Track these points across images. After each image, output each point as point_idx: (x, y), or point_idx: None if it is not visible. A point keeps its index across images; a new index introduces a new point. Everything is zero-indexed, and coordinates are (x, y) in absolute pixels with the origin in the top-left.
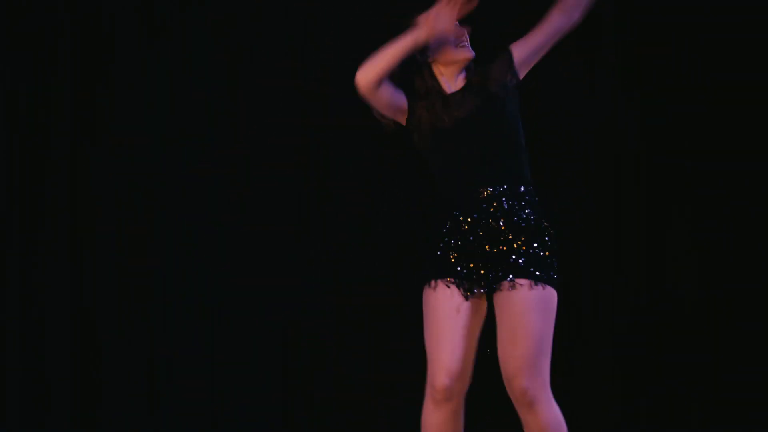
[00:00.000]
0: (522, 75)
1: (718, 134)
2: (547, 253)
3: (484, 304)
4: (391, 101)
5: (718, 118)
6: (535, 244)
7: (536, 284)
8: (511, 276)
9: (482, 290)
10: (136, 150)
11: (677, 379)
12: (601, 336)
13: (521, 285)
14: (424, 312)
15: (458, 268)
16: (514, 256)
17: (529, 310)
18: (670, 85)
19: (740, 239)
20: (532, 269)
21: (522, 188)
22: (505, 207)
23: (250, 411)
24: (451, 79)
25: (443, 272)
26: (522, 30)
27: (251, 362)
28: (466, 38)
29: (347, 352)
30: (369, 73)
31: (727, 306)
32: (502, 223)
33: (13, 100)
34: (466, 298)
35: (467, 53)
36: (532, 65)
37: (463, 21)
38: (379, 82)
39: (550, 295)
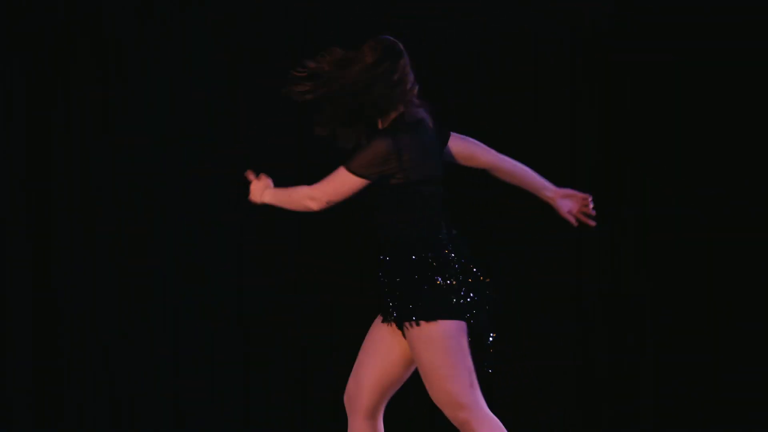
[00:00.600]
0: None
1: (719, 134)
2: (427, 287)
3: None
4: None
5: (717, 120)
6: (416, 284)
7: (415, 323)
8: (395, 317)
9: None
10: (136, 150)
11: (677, 379)
12: (601, 336)
13: (406, 327)
14: (462, 352)
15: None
16: (399, 301)
17: (418, 350)
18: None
19: (740, 239)
20: (411, 307)
21: (404, 251)
22: (390, 260)
23: (250, 410)
24: None
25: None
26: None
27: (252, 362)
28: None
29: (348, 353)
30: None
31: (727, 306)
32: (391, 272)
33: (12, 100)
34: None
35: None
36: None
37: None
38: None
39: (431, 327)
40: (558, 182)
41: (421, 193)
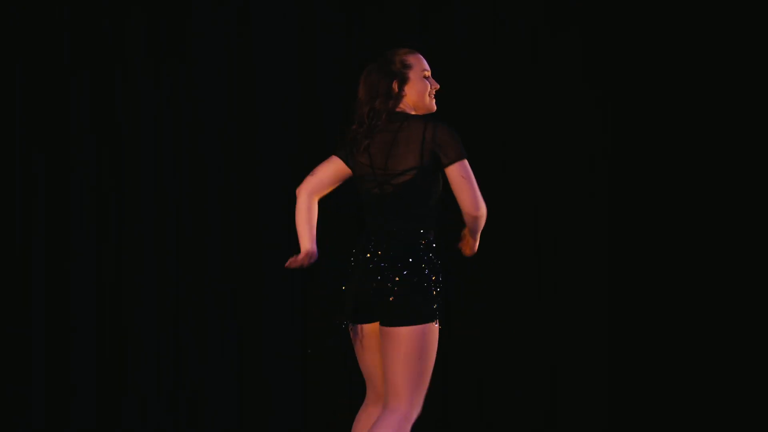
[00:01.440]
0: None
1: (719, 134)
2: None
3: None
4: None
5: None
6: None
7: None
8: None
9: None
10: (136, 150)
11: (677, 380)
12: (600, 336)
13: None
14: (432, 345)
15: None
16: None
17: None
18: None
19: (740, 239)
20: None
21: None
22: None
23: (252, 410)
24: None
25: None
26: None
27: (254, 362)
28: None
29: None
30: (478, 221)
31: (727, 306)
32: None
33: (13, 101)
34: None
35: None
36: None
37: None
38: None
39: None
40: (557, 182)
41: (362, 190)
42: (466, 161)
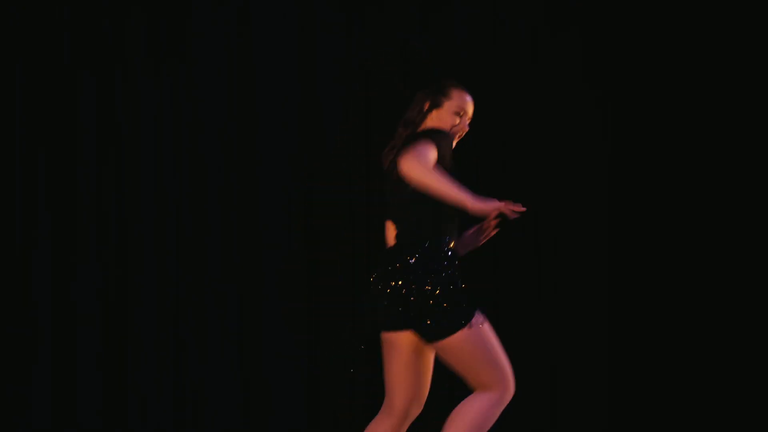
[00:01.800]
0: None
1: (725, 133)
2: None
3: None
4: None
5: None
6: None
7: None
8: None
9: None
10: (136, 150)
11: (676, 381)
12: (600, 336)
13: None
14: (485, 331)
15: None
16: None
17: None
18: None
19: (739, 239)
20: None
21: None
22: None
23: (253, 410)
24: None
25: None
26: None
27: (254, 362)
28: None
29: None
30: (420, 180)
31: (727, 306)
32: None
33: (13, 101)
34: None
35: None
36: None
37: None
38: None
39: None
40: (557, 182)
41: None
42: (428, 144)
